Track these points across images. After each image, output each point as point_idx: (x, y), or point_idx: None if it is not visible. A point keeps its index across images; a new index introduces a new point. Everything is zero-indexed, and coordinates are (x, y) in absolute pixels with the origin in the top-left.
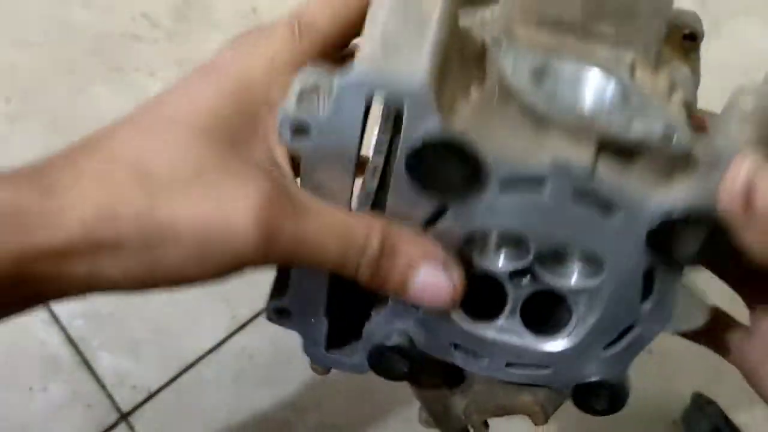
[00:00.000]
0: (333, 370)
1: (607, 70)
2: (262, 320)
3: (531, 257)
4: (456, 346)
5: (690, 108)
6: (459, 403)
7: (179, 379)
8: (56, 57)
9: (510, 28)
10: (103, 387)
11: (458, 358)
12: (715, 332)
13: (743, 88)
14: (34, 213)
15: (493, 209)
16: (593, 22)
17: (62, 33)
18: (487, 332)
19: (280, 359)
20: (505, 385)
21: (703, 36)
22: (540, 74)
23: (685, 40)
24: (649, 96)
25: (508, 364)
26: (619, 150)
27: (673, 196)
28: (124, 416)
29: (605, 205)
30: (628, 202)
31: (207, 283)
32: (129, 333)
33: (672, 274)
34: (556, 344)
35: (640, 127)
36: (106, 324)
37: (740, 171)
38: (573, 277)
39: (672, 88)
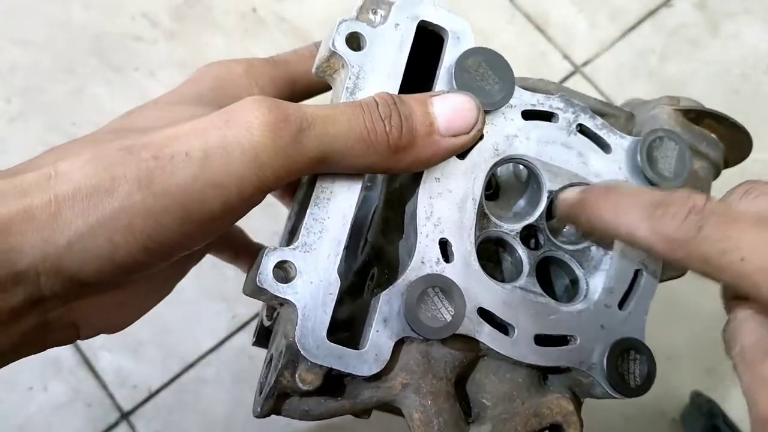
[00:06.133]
0: None
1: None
2: None
3: (538, 212)
4: (483, 313)
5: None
6: None
7: (180, 379)
8: (56, 57)
9: None
10: (103, 386)
11: (485, 335)
12: None
13: None
14: (25, 182)
15: (517, 135)
16: None
17: (62, 33)
18: (512, 291)
19: None
20: (526, 390)
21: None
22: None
23: None
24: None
25: (537, 338)
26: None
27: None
28: (125, 415)
29: (602, 143)
30: (615, 138)
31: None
32: (129, 333)
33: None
34: (576, 306)
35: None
36: None
37: None
38: (575, 236)
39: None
